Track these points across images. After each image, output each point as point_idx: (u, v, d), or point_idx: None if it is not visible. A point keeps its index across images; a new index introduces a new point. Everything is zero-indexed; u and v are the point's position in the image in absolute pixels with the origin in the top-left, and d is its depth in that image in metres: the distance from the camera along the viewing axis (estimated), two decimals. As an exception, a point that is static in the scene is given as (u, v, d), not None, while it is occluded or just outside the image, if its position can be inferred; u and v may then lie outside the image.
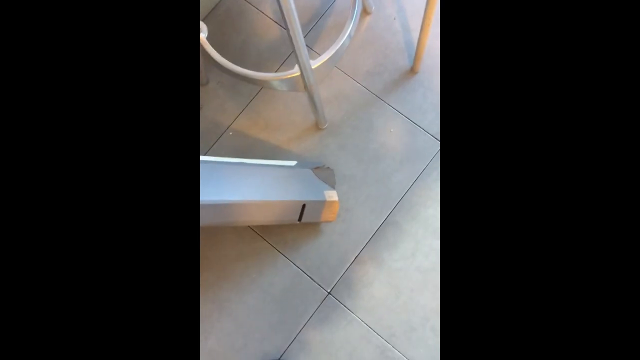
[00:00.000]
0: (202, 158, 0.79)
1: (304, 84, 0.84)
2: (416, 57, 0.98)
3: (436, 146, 0.97)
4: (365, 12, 1.04)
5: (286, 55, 1.04)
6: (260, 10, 1.07)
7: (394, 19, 1.05)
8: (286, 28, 0.70)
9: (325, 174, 0.91)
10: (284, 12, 0.65)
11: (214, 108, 1.01)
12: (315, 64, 0.81)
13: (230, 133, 1.00)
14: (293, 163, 0.90)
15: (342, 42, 0.83)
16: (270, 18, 1.06)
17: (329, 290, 0.91)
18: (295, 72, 0.81)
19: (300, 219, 0.86)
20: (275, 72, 1.03)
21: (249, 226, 0.95)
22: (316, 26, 1.06)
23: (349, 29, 0.84)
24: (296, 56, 0.76)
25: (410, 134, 0.98)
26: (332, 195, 0.88)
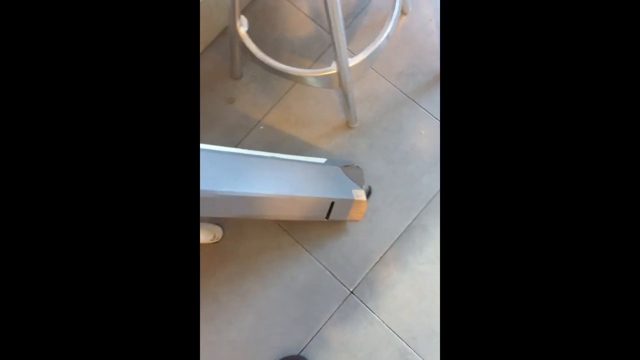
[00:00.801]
0: (233, 150, 0.80)
1: (339, 82, 0.84)
2: (452, 60, 0.97)
3: (467, 151, 0.96)
4: (402, 12, 1.03)
5: (320, 52, 1.04)
6: (296, 7, 1.07)
7: (430, 20, 1.04)
8: (329, 26, 0.70)
9: (354, 172, 0.91)
10: (329, 10, 0.65)
11: (246, 102, 1.02)
12: (352, 62, 0.81)
13: (261, 127, 1.01)
14: (323, 160, 0.90)
15: (380, 42, 0.83)
16: (306, 14, 1.07)
17: (351, 289, 0.91)
18: (332, 69, 0.81)
19: (328, 216, 0.86)
20: (309, 68, 1.03)
21: (274, 220, 0.95)
22: (351, 25, 1.05)
23: (388, 30, 0.83)
24: (335, 54, 0.76)
25: (441, 137, 0.97)
26: (360, 194, 0.88)
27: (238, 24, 0.84)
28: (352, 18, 1.06)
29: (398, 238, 0.93)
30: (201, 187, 0.69)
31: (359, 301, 0.90)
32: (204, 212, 0.70)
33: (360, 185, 0.90)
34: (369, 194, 0.94)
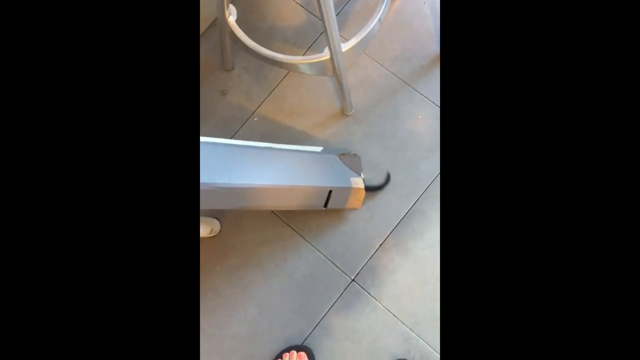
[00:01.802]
0: (228, 141, 0.79)
1: (332, 68, 0.82)
2: (446, 43, 0.96)
3: (465, 134, 0.95)
4: (394, -4, 1.02)
5: (312, 40, 1.03)
6: (286, -6, 1.06)
7: (424, 3, 1.02)
8: (319, 11, 0.69)
9: (351, 160, 0.90)
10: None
11: (239, 93, 1.01)
12: (345, 47, 0.79)
13: (256, 119, 1.00)
14: (319, 149, 0.89)
15: (372, 26, 0.82)
16: (296, 2, 1.05)
17: (352, 277, 0.90)
18: (324, 55, 0.80)
19: (326, 205, 0.85)
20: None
21: (273, 212, 0.95)
22: (343, 11, 1.04)
23: (380, 13, 0.82)
24: (327, 38, 0.75)
25: (438, 121, 0.96)
26: (358, 182, 0.87)
27: (227, 13, 0.83)
28: (344, 4, 1.04)
29: (398, 224, 0.92)
30: (196, 180, 0.68)
31: (361, 289, 0.90)
32: (201, 204, 0.69)
33: (358, 172, 0.89)
34: (387, 180, 0.93)
